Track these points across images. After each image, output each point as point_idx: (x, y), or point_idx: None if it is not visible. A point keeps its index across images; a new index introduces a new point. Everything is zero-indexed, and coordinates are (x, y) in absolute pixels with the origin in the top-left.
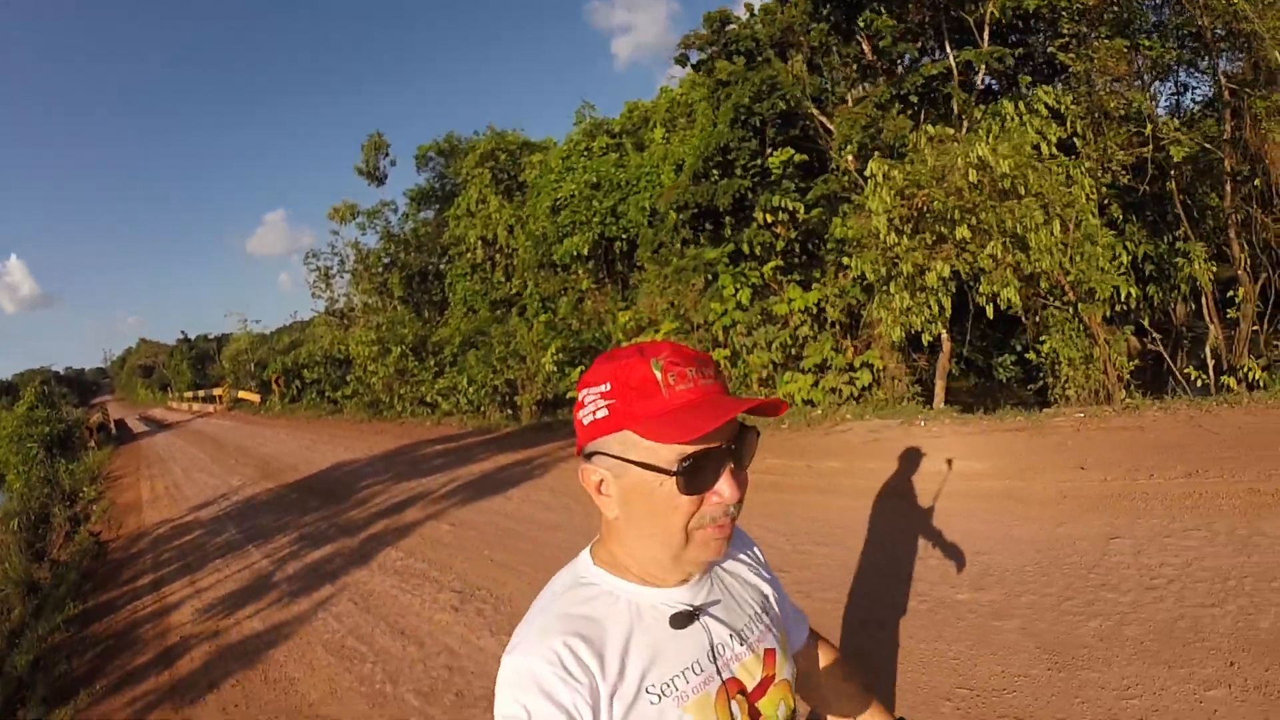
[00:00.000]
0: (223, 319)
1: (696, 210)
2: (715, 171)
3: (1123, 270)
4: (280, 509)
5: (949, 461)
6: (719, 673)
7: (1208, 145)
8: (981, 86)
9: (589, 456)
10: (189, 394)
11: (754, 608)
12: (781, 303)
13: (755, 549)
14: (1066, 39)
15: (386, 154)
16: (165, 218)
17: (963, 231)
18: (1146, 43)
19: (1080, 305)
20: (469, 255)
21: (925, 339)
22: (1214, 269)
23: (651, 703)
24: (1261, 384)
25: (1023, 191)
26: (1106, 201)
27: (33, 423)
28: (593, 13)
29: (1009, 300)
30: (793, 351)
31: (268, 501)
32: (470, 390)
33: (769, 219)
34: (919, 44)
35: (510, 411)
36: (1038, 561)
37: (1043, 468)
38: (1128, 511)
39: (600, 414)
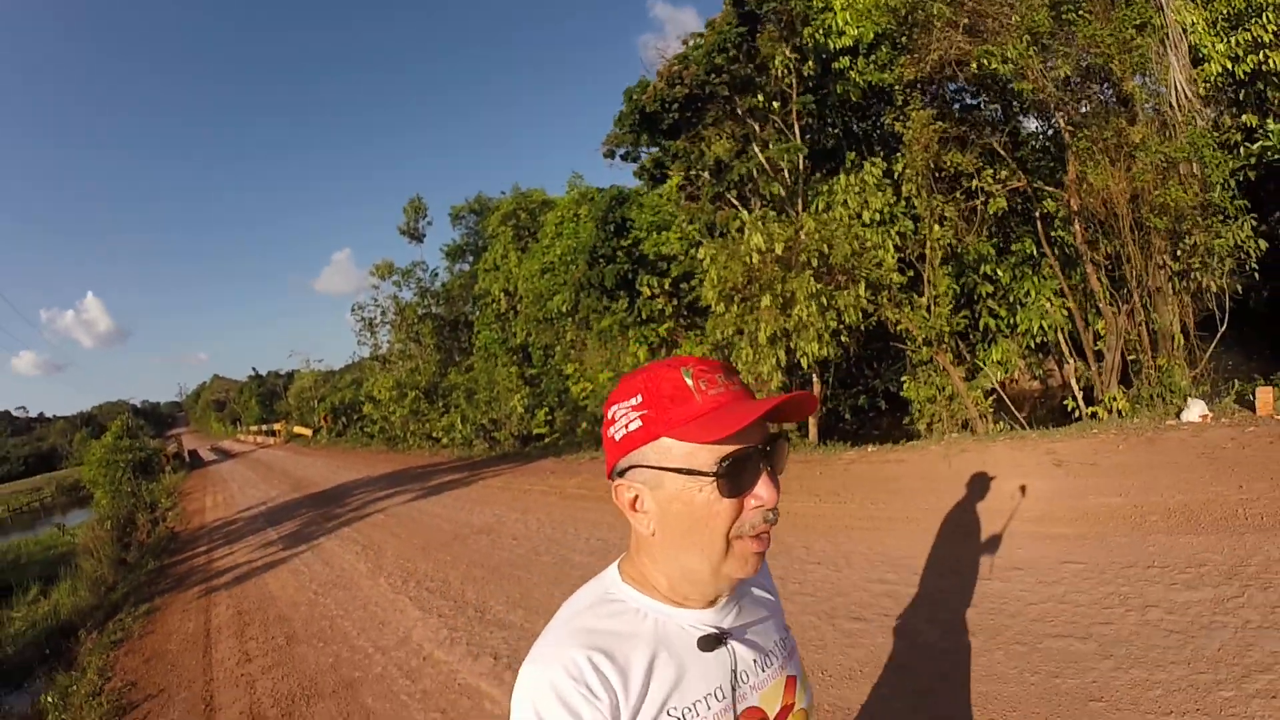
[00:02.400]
0: (290, 356)
1: (598, 287)
2: (601, 260)
3: (963, 315)
4: (296, 508)
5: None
6: (741, 700)
7: (1050, 189)
8: (804, 170)
9: (621, 474)
10: (254, 428)
11: (777, 634)
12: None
13: (768, 576)
14: (897, 111)
15: (425, 215)
16: (236, 258)
17: (765, 300)
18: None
19: (925, 349)
20: (494, 306)
21: (805, 375)
22: (1070, 305)
23: None
24: (1122, 412)
25: (828, 261)
26: (958, 249)
27: (119, 450)
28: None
29: (814, 353)
30: None
31: (289, 504)
32: (463, 427)
33: (651, 291)
34: (736, 148)
35: (491, 444)
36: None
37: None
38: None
39: (634, 426)
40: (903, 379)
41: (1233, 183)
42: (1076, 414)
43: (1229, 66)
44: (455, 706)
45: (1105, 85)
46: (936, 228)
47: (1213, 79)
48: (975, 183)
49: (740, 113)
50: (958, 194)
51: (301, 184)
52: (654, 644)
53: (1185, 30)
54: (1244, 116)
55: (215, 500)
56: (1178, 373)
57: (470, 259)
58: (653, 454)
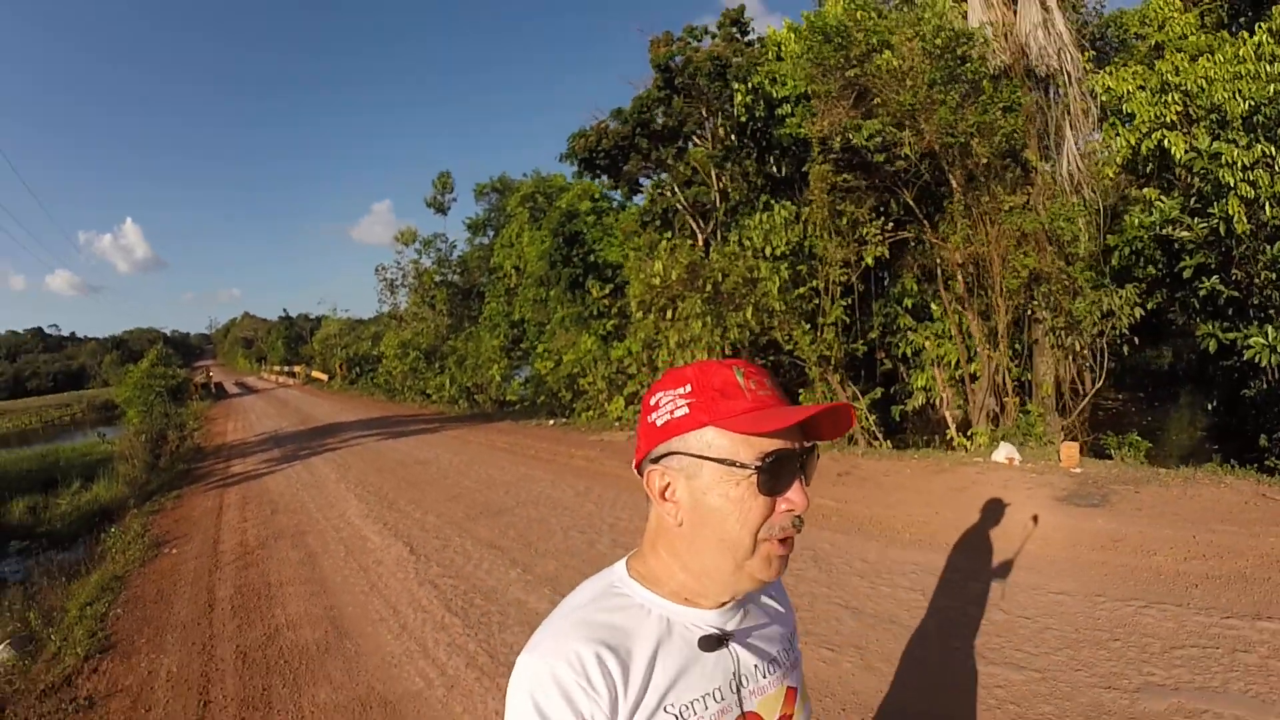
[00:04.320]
0: (319, 303)
1: (555, 284)
2: (559, 263)
3: (860, 343)
4: (298, 436)
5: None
6: (739, 704)
7: (937, 242)
8: (723, 207)
9: (656, 460)
10: (277, 368)
11: (781, 643)
12: (618, 349)
13: (780, 585)
14: (809, 162)
15: (451, 190)
16: (278, 198)
17: (669, 314)
18: (847, 177)
19: (814, 369)
20: (505, 280)
21: None
22: (945, 346)
23: None
24: (981, 444)
25: (719, 288)
26: (851, 285)
27: (153, 376)
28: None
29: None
30: (618, 383)
31: (294, 433)
32: (450, 388)
33: (598, 293)
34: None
35: (472, 405)
36: None
37: None
38: None
39: (680, 413)
40: (799, 393)
41: (1123, 251)
42: (950, 442)
43: (1131, 142)
44: (353, 542)
45: (1007, 157)
46: (829, 267)
47: (1118, 156)
48: (865, 230)
49: (659, 160)
50: (850, 239)
51: (352, 131)
52: (656, 640)
53: (1087, 111)
54: (1145, 190)
55: (235, 425)
56: (1035, 418)
57: (490, 234)
58: (695, 442)
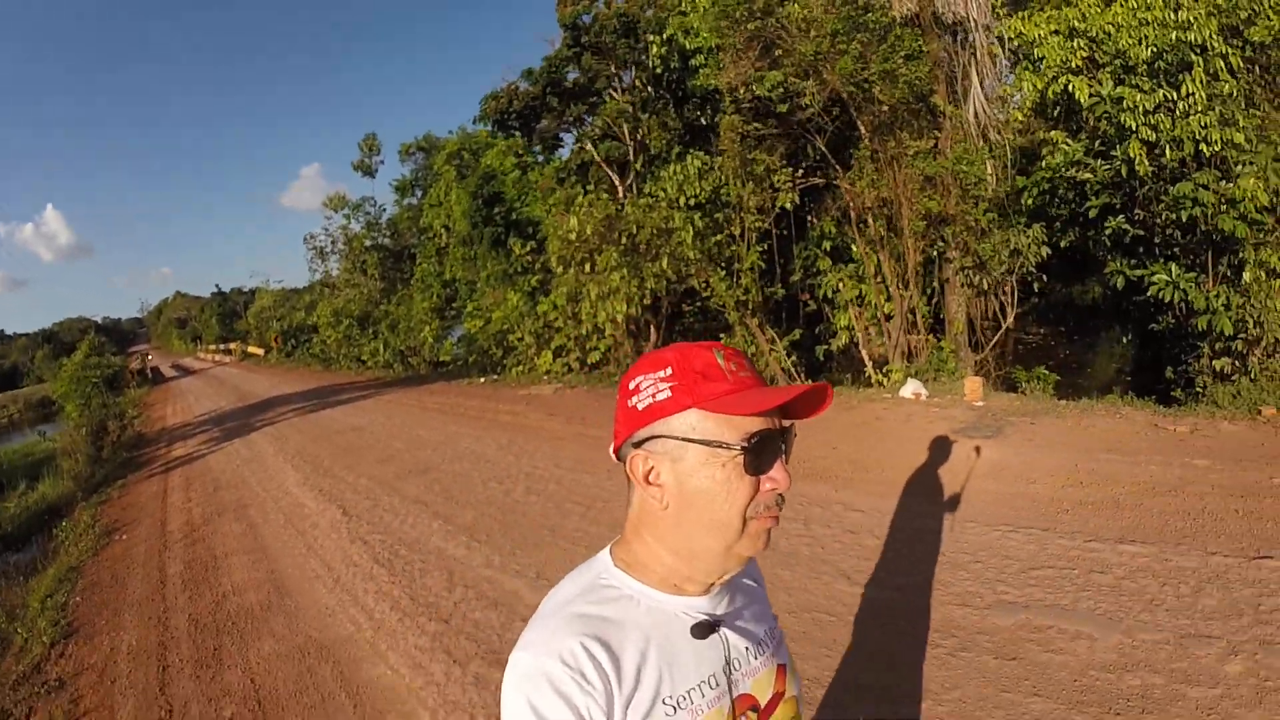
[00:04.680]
0: (251, 276)
1: (478, 244)
2: (480, 222)
3: (768, 287)
4: (237, 414)
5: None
6: (733, 687)
7: (845, 185)
8: (638, 159)
9: (639, 445)
10: (213, 346)
11: (766, 622)
12: (543, 304)
13: (754, 564)
14: (721, 112)
15: (378, 152)
16: (203, 170)
17: (586, 267)
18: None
19: (733, 313)
20: (434, 240)
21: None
22: (861, 287)
23: (667, 714)
24: (896, 381)
25: (634, 240)
26: (769, 231)
27: (88, 368)
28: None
29: (622, 312)
30: (545, 337)
31: (233, 411)
32: (384, 353)
33: (520, 251)
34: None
35: (406, 367)
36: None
37: None
38: None
39: (661, 396)
40: (720, 337)
41: (1033, 192)
42: (869, 380)
43: (1038, 86)
44: (291, 510)
45: (915, 103)
46: (745, 214)
47: (1028, 100)
48: (776, 177)
49: (573, 117)
50: (763, 186)
51: (273, 96)
52: (647, 631)
53: (995, 57)
54: (1053, 134)
55: (174, 409)
56: (948, 354)
57: (418, 194)
58: (679, 425)
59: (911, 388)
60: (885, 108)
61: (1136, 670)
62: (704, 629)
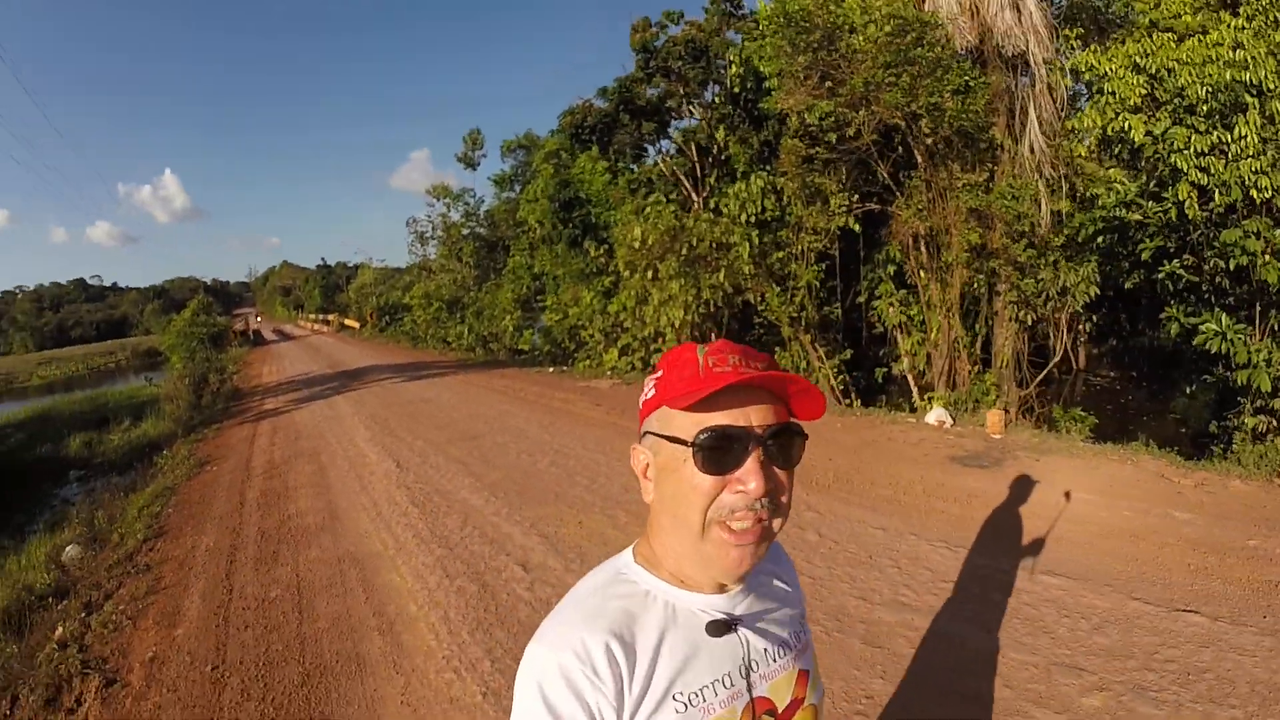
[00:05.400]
0: (356, 253)
1: (557, 243)
2: (559, 223)
3: (822, 309)
4: (326, 379)
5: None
6: (750, 689)
7: (895, 212)
8: (706, 174)
9: (641, 439)
10: (313, 316)
11: (791, 626)
12: (615, 304)
13: (792, 569)
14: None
15: (481, 147)
16: (317, 145)
17: (649, 274)
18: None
19: (787, 328)
20: (529, 234)
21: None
22: (910, 313)
23: (678, 710)
24: (937, 407)
25: (695, 252)
26: (830, 250)
27: (195, 324)
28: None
29: (678, 319)
30: (613, 336)
31: (323, 376)
32: (468, 337)
33: (594, 253)
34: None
35: (488, 352)
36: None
37: None
38: None
39: (649, 393)
40: (774, 351)
41: (1086, 233)
42: (914, 403)
43: (1098, 123)
44: (356, 459)
45: (967, 135)
46: (804, 234)
47: (1093, 136)
48: (835, 201)
49: (644, 134)
50: (822, 208)
51: (390, 80)
52: (662, 626)
53: (1056, 91)
54: (1110, 172)
55: (270, 369)
56: (990, 386)
57: (516, 189)
58: (657, 421)
59: (936, 415)
60: (939, 139)
61: (990, 678)
62: (720, 627)
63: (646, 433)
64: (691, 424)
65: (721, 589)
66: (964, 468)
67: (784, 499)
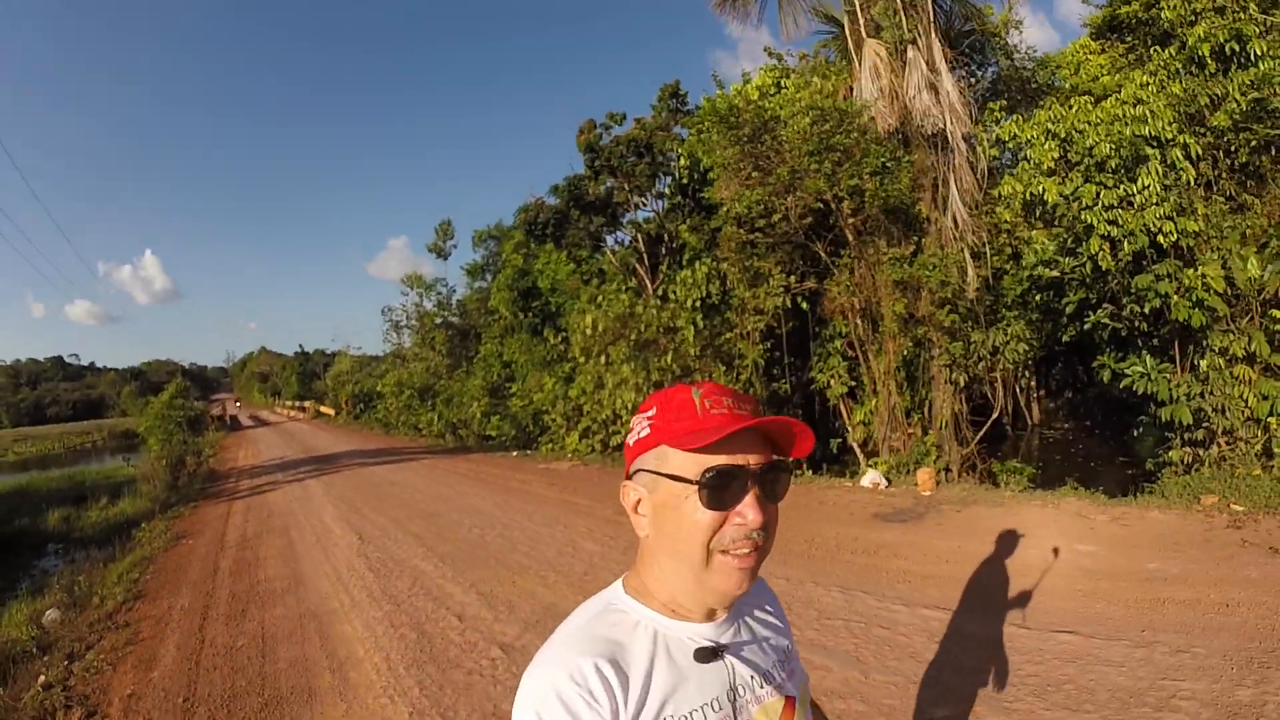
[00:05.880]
0: (333, 340)
1: (517, 332)
2: (519, 312)
3: (770, 383)
4: (299, 463)
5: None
6: (736, 714)
7: (834, 289)
8: (654, 263)
9: (631, 476)
10: (289, 403)
11: (777, 655)
12: (574, 388)
13: (777, 603)
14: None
15: (451, 237)
16: (295, 234)
17: (602, 360)
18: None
19: None
20: (500, 322)
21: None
22: (849, 384)
23: None
24: (881, 471)
25: (643, 336)
26: (777, 329)
27: (173, 408)
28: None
29: (631, 402)
30: (574, 419)
31: (296, 460)
32: (438, 423)
33: (553, 340)
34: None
35: (457, 439)
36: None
37: None
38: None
39: (643, 433)
40: None
41: (1013, 293)
42: (859, 468)
43: (1017, 190)
44: (323, 533)
45: (893, 212)
46: (748, 315)
47: (1017, 201)
48: (772, 282)
49: (593, 229)
50: (762, 290)
51: (370, 169)
52: (651, 653)
53: (974, 164)
54: (1033, 234)
55: (246, 454)
56: (930, 447)
57: (488, 278)
58: (653, 460)
59: (870, 478)
60: (864, 217)
61: (849, 699)
62: (707, 654)
63: (640, 470)
64: (694, 463)
65: (710, 617)
66: (884, 523)
67: (773, 530)
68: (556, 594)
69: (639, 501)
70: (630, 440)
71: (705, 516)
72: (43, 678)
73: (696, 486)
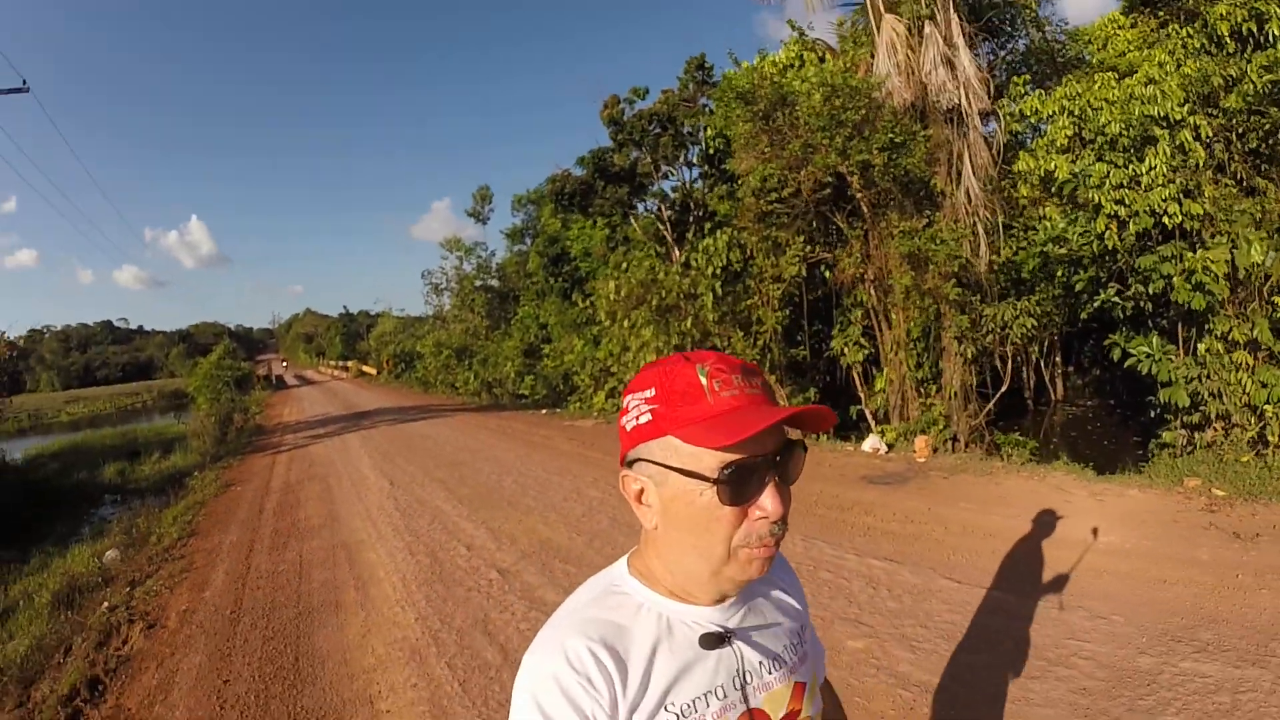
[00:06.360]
0: (376, 301)
1: (548, 295)
2: (550, 277)
3: (790, 349)
4: (340, 419)
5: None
6: (745, 700)
7: (844, 260)
8: (681, 229)
9: (630, 464)
10: (332, 363)
11: (788, 638)
12: (602, 349)
13: (795, 580)
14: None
15: (490, 202)
16: (341, 195)
17: (625, 323)
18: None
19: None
20: (537, 285)
21: None
22: (864, 351)
23: None
24: (889, 439)
25: (664, 301)
26: (794, 297)
27: (221, 368)
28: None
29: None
30: (601, 380)
31: (338, 416)
32: (473, 382)
33: (582, 304)
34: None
35: (492, 397)
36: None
37: None
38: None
39: (643, 419)
40: None
41: (1027, 269)
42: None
43: (1031, 167)
44: (358, 480)
45: (905, 185)
46: (766, 283)
47: (1034, 177)
48: (791, 251)
49: (618, 198)
50: (781, 259)
51: (413, 131)
52: (655, 638)
53: (990, 139)
54: (1047, 209)
55: (290, 411)
56: (938, 415)
57: (528, 241)
58: (659, 450)
59: (871, 443)
60: (876, 191)
61: None
62: (713, 639)
63: (641, 459)
64: (710, 457)
65: (719, 600)
66: (869, 484)
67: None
68: (554, 531)
69: (642, 491)
70: (626, 425)
71: (725, 513)
72: (106, 603)
73: (714, 484)
